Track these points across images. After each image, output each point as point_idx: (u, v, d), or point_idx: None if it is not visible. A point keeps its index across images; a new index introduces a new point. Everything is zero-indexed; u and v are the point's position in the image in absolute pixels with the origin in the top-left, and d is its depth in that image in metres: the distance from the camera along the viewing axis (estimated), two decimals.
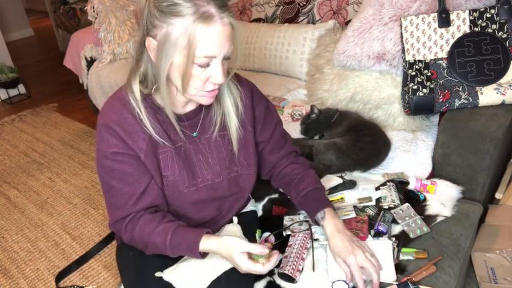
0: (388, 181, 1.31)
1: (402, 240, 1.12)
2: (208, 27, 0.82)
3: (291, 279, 1.05)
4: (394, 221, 1.18)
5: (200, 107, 1.05)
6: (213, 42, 0.84)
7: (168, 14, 0.83)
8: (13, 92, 3.85)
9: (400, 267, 1.04)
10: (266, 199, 1.37)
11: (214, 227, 1.13)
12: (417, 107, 1.45)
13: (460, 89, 1.40)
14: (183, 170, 1.02)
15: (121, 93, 0.98)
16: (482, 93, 1.38)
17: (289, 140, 1.23)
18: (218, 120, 1.05)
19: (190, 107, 1.05)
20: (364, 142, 1.46)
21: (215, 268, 1.01)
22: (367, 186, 1.31)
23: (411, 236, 1.13)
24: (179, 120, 1.01)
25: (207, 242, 0.95)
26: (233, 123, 1.05)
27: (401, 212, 1.19)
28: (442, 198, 1.26)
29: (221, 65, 0.88)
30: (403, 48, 1.49)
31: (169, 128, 1.00)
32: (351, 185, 1.33)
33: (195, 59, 0.85)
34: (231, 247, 0.92)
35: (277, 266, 1.10)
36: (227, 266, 1.02)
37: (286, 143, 1.20)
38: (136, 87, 0.96)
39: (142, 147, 0.97)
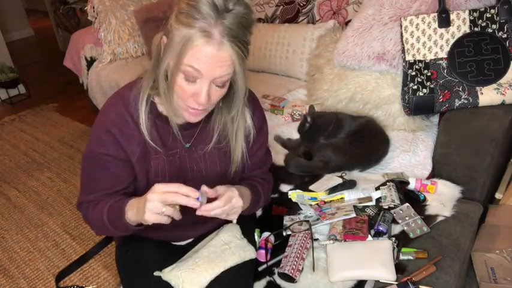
0: (388, 181, 1.31)
1: (402, 240, 1.12)
2: (204, 44, 0.83)
3: (291, 279, 1.05)
4: (394, 221, 1.18)
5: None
6: (203, 59, 0.84)
7: (181, 23, 0.85)
8: (13, 92, 3.84)
9: (400, 267, 1.05)
10: None
11: (211, 224, 1.13)
12: (417, 107, 1.45)
13: (460, 89, 1.40)
14: (173, 176, 1.03)
15: (127, 92, 0.99)
16: (482, 93, 1.38)
17: (267, 164, 1.21)
18: (215, 135, 1.04)
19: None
20: (361, 141, 1.46)
21: (214, 268, 1.01)
22: (367, 186, 1.31)
23: (411, 236, 1.13)
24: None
25: (130, 201, 0.94)
26: (239, 152, 1.05)
27: (401, 212, 1.19)
28: (442, 198, 1.26)
29: (207, 87, 0.87)
30: (403, 48, 1.49)
31: (166, 135, 1.01)
32: (351, 185, 1.33)
33: (182, 66, 0.86)
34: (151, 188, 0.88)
35: (277, 265, 1.11)
36: (226, 266, 1.02)
37: (263, 167, 1.19)
38: (146, 89, 0.96)
39: (136, 152, 0.99)
